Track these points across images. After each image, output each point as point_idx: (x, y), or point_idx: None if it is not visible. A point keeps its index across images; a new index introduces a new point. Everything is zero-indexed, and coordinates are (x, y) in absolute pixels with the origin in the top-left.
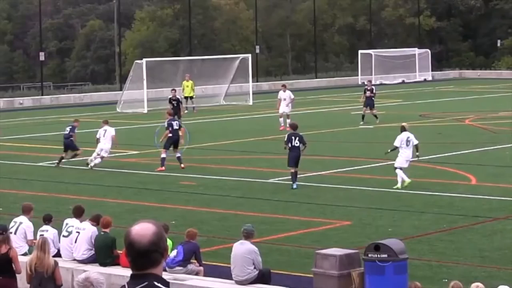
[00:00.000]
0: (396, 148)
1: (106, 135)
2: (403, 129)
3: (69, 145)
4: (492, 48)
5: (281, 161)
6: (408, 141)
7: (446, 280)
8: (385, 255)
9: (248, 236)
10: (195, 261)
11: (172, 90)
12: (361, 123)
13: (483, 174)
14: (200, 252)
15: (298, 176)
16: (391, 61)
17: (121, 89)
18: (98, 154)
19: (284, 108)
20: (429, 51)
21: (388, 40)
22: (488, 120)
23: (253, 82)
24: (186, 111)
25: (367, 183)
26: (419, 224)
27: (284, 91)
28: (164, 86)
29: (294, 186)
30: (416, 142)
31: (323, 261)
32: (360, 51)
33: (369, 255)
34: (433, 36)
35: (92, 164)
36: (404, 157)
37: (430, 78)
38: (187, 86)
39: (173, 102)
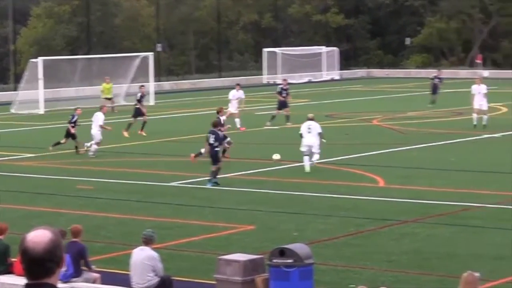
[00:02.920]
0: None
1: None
2: (308, 119)
3: None
4: (401, 46)
5: (183, 163)
6: (309, 128)
7: (353, 286)
8: (290, 260)
9: (148, 241)
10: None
11: (142, 86)
12: (268, 123)
13: (391, 176)
14: (87, 254)
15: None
16: (298, 59)
17: (15, 89)
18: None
19: (234, 108)
20: (336, 49)
21: (295, 38)
22: (396, 120)
23: (154, 81)
24: (116, 111)
25: (272, 185)
26: (325, 228)
27: (238, 90)
28: (61, 86)
29: (208, 185)
30: (319, 131)
31: (226, 267)
32: (265, 49)
33: (274, 261)
34: (340, 34)
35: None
36: (305, 143)
37: (337, 77)
38: (107, 88)
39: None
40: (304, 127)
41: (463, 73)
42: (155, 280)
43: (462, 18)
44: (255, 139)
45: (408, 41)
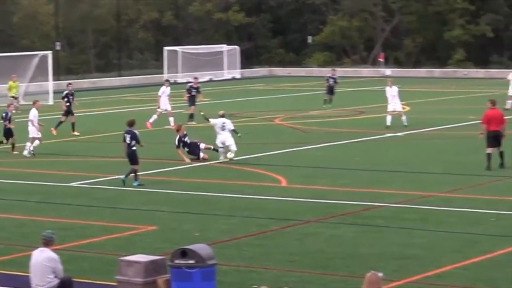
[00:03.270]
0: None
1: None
2: (220, 115)
3: None
4: (302, 44)
5: (84, 163)
6: (223, 125)
7: (256, 286)
8: (192, 261)
9: (47, 243)
10: None
11: (69, 84)
12: (194, 122)
13: (293, 176)
14: None
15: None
16: (199, 58)
17: None
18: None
19: (167, 105)
20: (238, 47)
21: (196, 36)
22: (298, 119)
23: (53, 80)
24: (19, 111)
25: (173, 186)
26: (228, 228)
27: (167, 87)
28: None
29: (135, 184)
30: (232, 127)
31: (128, 268)
32: (166, 48)
33: (176, 262)
34: (242, 32)
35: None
36: (219, 139)
37: (239, 76)
38: (14, 87)
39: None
40: (218, 124)
41: (366, 71)
42: (55, 281)
43: (364, 16)
44: (156, 138)
45: (310, 39)
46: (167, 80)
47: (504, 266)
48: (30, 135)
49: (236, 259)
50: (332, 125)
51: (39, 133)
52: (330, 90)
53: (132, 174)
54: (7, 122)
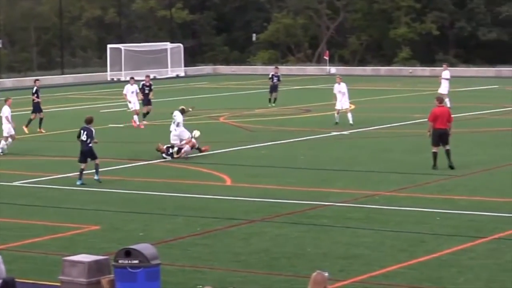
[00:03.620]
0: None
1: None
2: (181, 111)
3: None
4: (247, 42)
5: (26, 162)
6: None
7: (201, 286)
8: (136, 261)
9: None
10: None
11: (36, 80)
12: (145, 122)
13: (238, 175)
14: None
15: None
16: (142, 56)
17: None
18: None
19: (135, 103)
20: (181, 45)
21: (139, 33)
22: (243, 117)
23: None
24: None
25: (117, 185)
26: (172, 228)
27: (132, 84)
28: None
29: (78, 182)
30: (178, 121)
31: (71, 269)
32: (109, 46)
33: (120, 261)
34: (186, 30)
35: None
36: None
37: (182, 74)
38: None
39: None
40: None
41: (310, 69)
42: None
43: (309, 13)
44: (99, 137)
45: (254, 37)
46: (132, 78)
47: (450, 265)
48: (5, 133)
49: (180, 259)
50: (278, 123)
51: (13, 130)
52: (274, 88)
53: (78, 173)
54: None
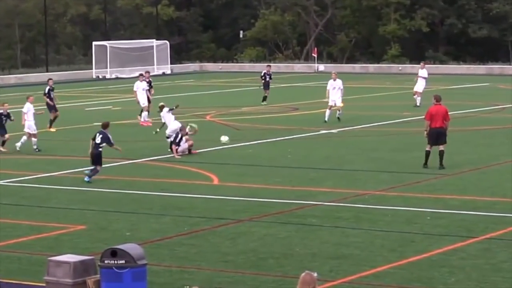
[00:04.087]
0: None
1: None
2: (160, 108)
3: None
4: (234, 39)
5: (12, 161)
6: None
7: (188, 287)
8: (123, 261)
9: None
10: None
11: (49, 79)
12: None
13: (226, 174)
14: None
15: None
16: (128, 53)
17: None
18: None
19: (145, 100)
20: (167, 42)
21: (125, 31)
22: (230, 116)
23: None
24: None
25: (103, 184)
26: (159, 228)
27: (142, 81)
28: None
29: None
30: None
31: (56, 269)
32: (94, 43)
33: (106, 262)
34: (172, 27)
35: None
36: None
37: (169, 72)
38: None
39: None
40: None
41: (298, 67)
42: None
43: (297, 10)
44: (86, 136)
45: (241, 34)
46: (141, 74)
47: (440, 265)
48: (26, 129)
49: (167, 259)
50: (265, 122)
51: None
52: (266, 86)
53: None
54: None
